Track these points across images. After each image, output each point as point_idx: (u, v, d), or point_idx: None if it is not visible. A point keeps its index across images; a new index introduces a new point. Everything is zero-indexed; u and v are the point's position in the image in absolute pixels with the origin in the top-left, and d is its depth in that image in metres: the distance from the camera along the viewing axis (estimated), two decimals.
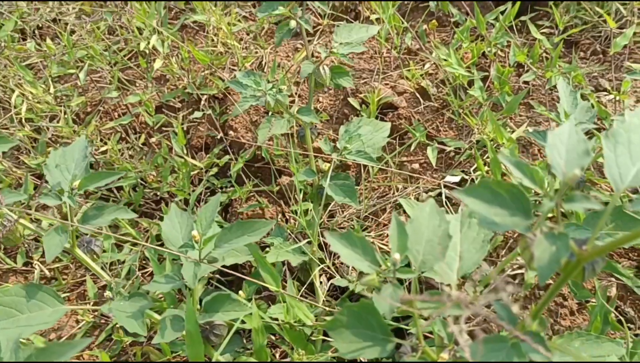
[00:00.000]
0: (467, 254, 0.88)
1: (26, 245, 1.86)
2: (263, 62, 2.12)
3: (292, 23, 1.50)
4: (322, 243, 1.57)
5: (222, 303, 1.08)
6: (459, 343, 0.86)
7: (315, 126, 1.77)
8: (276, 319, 1.31)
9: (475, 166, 1.60)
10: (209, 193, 1.88)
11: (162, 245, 1.80)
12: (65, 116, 1.95)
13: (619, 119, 0.70)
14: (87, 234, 1.20)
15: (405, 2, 2.22)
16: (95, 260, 1.15)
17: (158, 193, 1.90)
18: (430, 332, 1.24)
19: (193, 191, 1.85)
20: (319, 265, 1.46)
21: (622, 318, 1.32)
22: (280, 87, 1.50)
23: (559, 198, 0.64)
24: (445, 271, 0.84)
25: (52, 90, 2.08)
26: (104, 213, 1.09)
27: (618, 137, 0.68)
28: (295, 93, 2.03)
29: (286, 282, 1.56)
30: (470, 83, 1.79)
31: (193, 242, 1.05)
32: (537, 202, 1.24)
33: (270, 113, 1.97)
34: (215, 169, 1.91)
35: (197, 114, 1.96)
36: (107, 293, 1.11)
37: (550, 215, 0.71)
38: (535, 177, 0.64)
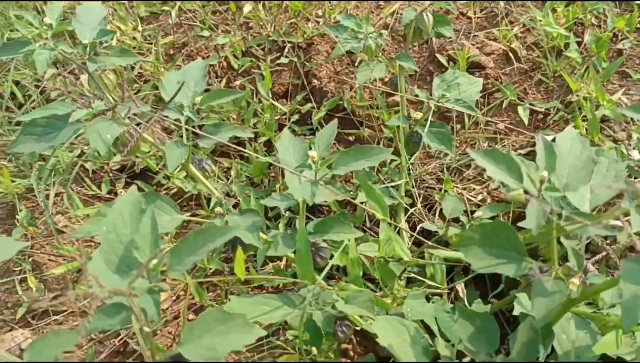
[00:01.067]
0: (598, 189, 0.88)
1: (111, 175, 1.92)
2: None
3: None
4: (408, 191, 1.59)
5: (332, 226, 1.11)
6: (587, 272, 0.87)
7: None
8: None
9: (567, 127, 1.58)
10: None
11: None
12: (156, 51, 2.00)
13: None
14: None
15: None
16: (207, 178, 1.19)
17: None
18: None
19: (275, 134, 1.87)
20: (408, 210, 1.47)
21: None
22: (381, 32, 1.50)
23: None
24: (578, 201, 0.84)
25: (140, 28, 2.12)
26: (221, 130, 1.12)
27: None
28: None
29: (366, 226, 1.58)
30: (566, 46, 1.76)
31: (310, 163, 1.07)
32: None
33: (357, 63, 1.98)
34: (296, 116, 1.93)
35: (283, 60, 1.97)
36: (218, 209, 1.14)
37: None
38: None
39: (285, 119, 1.94)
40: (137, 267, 0.76)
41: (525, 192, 0.77)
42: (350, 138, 1.91)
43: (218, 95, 1.12)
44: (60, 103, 1.07)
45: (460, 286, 1.19)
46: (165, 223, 1.07)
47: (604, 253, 0.94)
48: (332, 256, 1.15)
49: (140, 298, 0.72)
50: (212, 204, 1.65)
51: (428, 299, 1.21)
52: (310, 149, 1.08)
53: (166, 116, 1.11)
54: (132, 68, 2.08)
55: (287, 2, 1.99)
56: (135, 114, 1.08)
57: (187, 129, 1.11)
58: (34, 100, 1.93)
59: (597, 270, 0.87)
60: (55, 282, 1.68)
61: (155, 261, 0.74)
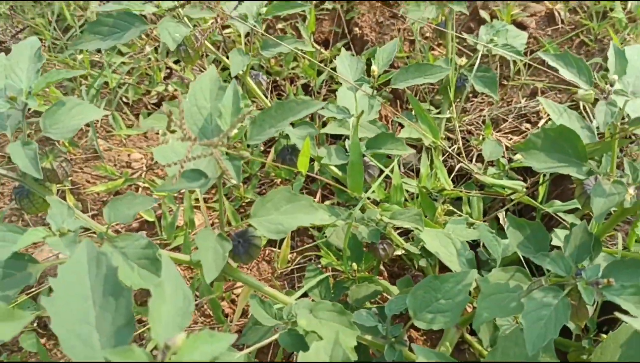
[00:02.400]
0: None
1: (149, 107, 1.95)
2: None
3: None
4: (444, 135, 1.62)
5: (385, 141, 1.14)
6: None
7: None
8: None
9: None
10: (330, 83, 1.93)
11: None
12: None
13: None
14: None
15: None
16: (261, 90, 1.22)
17: (278, 78, 1.96)
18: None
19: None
20: (446, 151, 1.50)
21: None
22: None
23: None
24: None
25: None
26: (284, 42, 1.15)
27: None
28: None
29: (401, 170, 1.61)
30: (611, 9, 1.78)
31: (367, 78, 1.10)
32: None
33: (400, 13, 2.00)
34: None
35: (327, 5, 1.99)
36: None
37: None
38: None
39: (325, 65, 1.96)
40: (217, 136, 0.79)
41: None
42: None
43: (285, 5, 1.14)
44: (131, 0, 1.10)
45: (501, 214, 1.22)
46: None
47: None
48: (380, 175, 1.18)
49: (222, 161, 0.76)
50: None
51: (468, 227, 1.24)
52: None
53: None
54: None
55: None
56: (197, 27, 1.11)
57: (248, 38, 1.13)
58: (80, 25, 1.96)
59: None
60: (92, 202, 1.72)
61: (236, 130, 0.77)
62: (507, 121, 1.72)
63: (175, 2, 1.12)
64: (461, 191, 1.30)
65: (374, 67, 1.08)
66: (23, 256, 0.78)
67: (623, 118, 0.82)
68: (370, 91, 1.10)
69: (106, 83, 1.84)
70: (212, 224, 1.68)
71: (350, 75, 1.15)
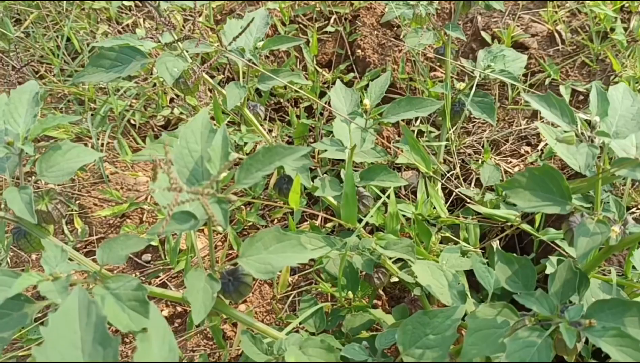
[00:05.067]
0: None
1: (155, 130, 1.99)
2: None
3: None
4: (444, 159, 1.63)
5: (378, 174, 1.15)
6: (627, 223, 0.90)
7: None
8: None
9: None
10: None
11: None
12: (207, 14, 2.06)
13: None
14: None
15: None
16: (258, 121, 1.24)
17: (281, 100, 1.99)
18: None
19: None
20: (445, 176, 1.51)
21: None
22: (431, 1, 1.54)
23: None
24: (627, 147, 0.87)
25: None
26: (279, 75, 1.18)
27: None
28: None
29: (401, 192, 1.63)
30: (612, 30, 1.78)
31: (361, 111, 1.12)
32: None
33: (402, 36, 2.02)
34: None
35: (330, 28, 2.02)
36: None
37: None
38: None
39: (327, 87, 1.98)
40: (207, 179, 0.81)
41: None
42: None
43: (279, 40, 1.17)
44: (131, 35, 1.13)
45: (495, 243, 1.23)
46: None
47: None
48: (374, 205, 1.19)
49: (209, 207, 0.78)
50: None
51: (462, 255, 1.25)
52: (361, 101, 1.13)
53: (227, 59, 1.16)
54: (183, 29, 2.14)
55: None
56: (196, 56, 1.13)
57: (245, 73, 1.16)
58: (89, 50, 2.01)
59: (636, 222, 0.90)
60: (99, 225, 1.76)
61: (224, 174, 0.80)
62: (507, 143, 1.72)
63: (174, 37, 1.15)
64: (457, 219, 1.31)
65: (366, 101, 1.10)
66: (19, 296, 0.81)
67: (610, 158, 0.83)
68: (363, 123, 1.12)
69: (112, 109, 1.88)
70: (215, 247, 1.71)
71: (344, 107, 1.17)
